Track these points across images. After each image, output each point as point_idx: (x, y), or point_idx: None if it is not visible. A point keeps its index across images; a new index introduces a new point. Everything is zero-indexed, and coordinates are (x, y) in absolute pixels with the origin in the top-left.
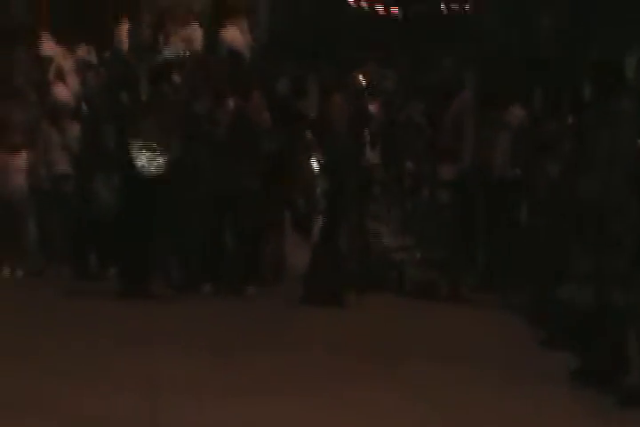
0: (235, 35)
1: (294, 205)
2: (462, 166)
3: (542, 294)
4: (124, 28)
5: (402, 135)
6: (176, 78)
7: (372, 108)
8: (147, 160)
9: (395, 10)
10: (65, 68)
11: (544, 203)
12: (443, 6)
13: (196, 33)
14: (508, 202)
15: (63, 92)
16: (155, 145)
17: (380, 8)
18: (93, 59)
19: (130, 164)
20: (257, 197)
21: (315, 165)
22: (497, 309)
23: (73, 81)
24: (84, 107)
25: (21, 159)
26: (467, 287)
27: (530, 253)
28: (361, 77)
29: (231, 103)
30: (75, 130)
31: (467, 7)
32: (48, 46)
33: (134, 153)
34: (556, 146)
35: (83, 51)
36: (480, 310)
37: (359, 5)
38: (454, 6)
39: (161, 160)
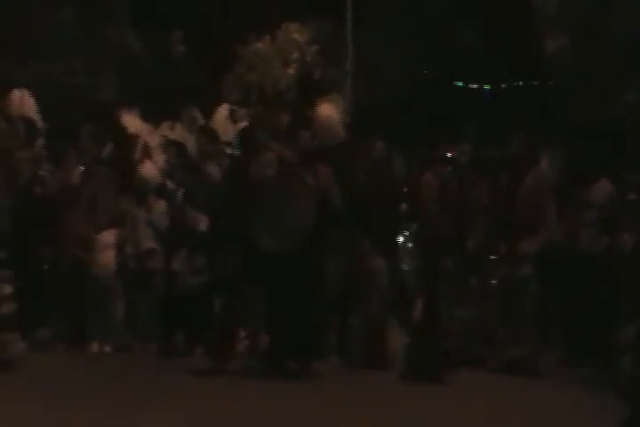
0: (329, 111)
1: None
2: (543, 241)
3: (625, 369)
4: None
5: (467, 213)
6: None
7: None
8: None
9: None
10: (151, 144)
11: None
12: (525, 82)
13: (280, 110)
14: (592, 276)
15: (150, 169)
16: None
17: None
18: (178, 135)
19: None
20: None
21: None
22: (582, 383)
23: (159, 158)
24: (170, 183)
25: (110, 236)
26: (552, 362)
27: (614, 328)
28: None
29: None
30: (161, 207)
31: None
32: (135, 123)
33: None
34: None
35: (168, 127)
36: (565, 385)
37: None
38: (536, 82)
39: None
